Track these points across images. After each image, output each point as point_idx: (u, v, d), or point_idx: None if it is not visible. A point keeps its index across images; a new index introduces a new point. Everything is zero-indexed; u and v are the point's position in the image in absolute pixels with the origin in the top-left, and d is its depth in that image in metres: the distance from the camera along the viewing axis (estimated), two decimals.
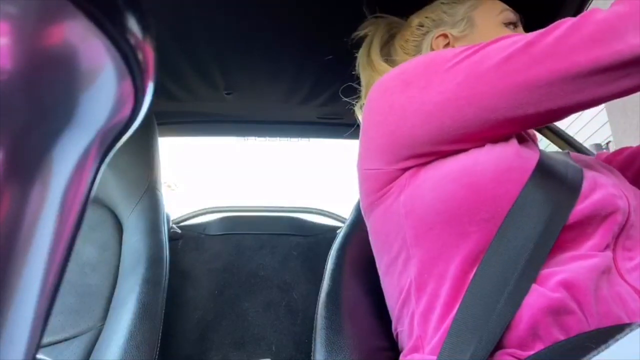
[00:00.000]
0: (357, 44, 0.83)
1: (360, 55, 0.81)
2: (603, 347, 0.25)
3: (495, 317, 0.44)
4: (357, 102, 0.83)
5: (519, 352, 0.43)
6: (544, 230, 0.47)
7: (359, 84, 0.84)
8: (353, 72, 0.86)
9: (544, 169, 0.50)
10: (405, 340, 0.55)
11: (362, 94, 0.80)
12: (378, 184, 0.57)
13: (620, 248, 0.49)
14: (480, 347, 0.43)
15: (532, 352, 0.43)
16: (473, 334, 0.44)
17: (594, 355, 0.26)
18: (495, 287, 0.45)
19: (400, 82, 0.54)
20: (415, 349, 0.52)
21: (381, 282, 0.63)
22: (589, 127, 4.94)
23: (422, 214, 0.52)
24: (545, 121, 0.50)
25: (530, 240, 0.46)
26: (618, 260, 0.49)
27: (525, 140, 0.55)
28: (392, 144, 0.54)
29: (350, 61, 1.06)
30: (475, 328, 0.45)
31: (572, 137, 1.13)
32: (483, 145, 0.51)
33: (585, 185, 0.50)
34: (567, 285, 0.44)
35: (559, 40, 0.46)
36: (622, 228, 0.50)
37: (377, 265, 0.64)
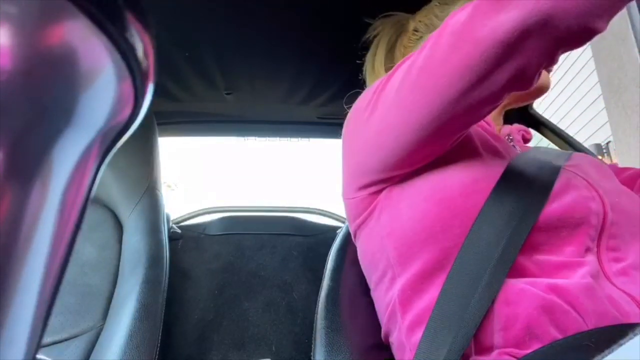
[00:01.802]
0: (366, 47, 0.83)
1: (367, 61, 0.81)
2: (607, 351, 0.25)
3: (469, 313, 0.44)
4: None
5: (515, 351, 0.43)
6: (514, 229, 0.47)
7: (358, 84, 0.84)
8: (356, 73, 0.86)
9: (513, 173, 0.51)
10: (397, 353, 0.56)
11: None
12: (358, 210, 0.59)
13: (604, 249, 0.49)
14: (456, 343, 0.43)
15: (529, 351, 0.43)
16: (449, 330, 0.45)
17: (595, 358, 0.26)
18: (469, 284, 0.46)
19: (353, 114, 0.59)
20: None
21: (372, 297, 0.65)
22: (589, 127, 4.95)
23: (402, 235, 0.53)
24: (470, 121, 0.49)
25: (501, 237, 0.47)
26: (604, 262, 0.48)
27: (493, 149, 0.55)
28: (353, 173, 0.57)
29: (350, 62, 1.06)
30: (450, 325, 0.45)
31: (572, 137, 1.13)
32: (434, 164, 0.52)
33: (556, 186, 0.50)
34: (557, 290, 0.45)
35: (427, 58, 0.46)
36: (601, 228, 0.50)
37: (368, 282, 0.65)
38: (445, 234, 0.49)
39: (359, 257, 0.66)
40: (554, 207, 0.48)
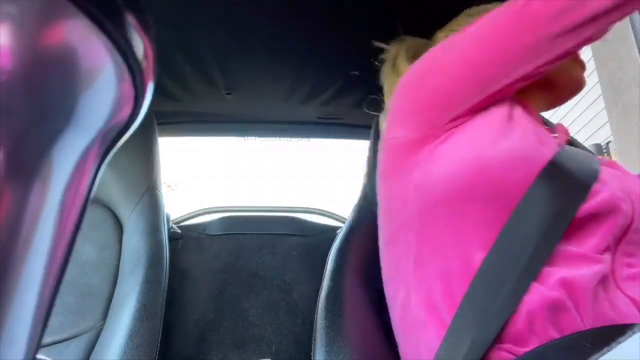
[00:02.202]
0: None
1: (385, 65, 0.80)
2: (605, 349, 0.25)
3: (492, 315, 0.44)
4: (381, 112, 0.83)
5: (514, 348, 0.44)
6: (548, 229, 0.47)
7: (359, 85, 0.84)
8: (354, 73, 0.86)
9: (556, 165, 0.51)
10: (399, 314, 0.57)
11: (386, 104, 0.80)
12: (397, 152, 0.59)
13: (620, 252, 0.50)
14: (475, 345, 0.43)
15: (527, 349, 0.43)
16: (469, 331, 0.45)
17: (593, 356, 0.26)
18: (495, 286, 0.46)
19: (429, 55, 0.59)
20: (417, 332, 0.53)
21: (380, 252, 0.64)
22: (589, 127, 4.95)
23: (430, 189, 0.53)
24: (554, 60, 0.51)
25: (532, 239, 0.47)
26: (616, 265, 0.49)
27: (539, 137, 0.56)
28: (422, 108, 0.57)
29: (350, 62, 1.06)
30: (472, 325, 0.45)
31: (572, 137, 1.13)
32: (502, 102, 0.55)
33: (595, 185, 0.51)
34: (567, 285, 0.45)
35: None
36: (625, 232, 0.50)
37: (379, 235, 0.65)
38: (473, 199, 0.50)
39: (378, 205, 0.65)
40: (589, 204, 0.49)
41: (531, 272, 0.46)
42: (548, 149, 0.52)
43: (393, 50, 0.79)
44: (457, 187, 0.51)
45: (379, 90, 0.83)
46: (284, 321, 1.25)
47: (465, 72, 0.53)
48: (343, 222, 1.44)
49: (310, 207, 1.67)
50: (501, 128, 0.53)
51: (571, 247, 0.48)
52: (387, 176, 0.61)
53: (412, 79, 0.59)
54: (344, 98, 1.23)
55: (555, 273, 0.46)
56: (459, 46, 0.55)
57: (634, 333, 0.24)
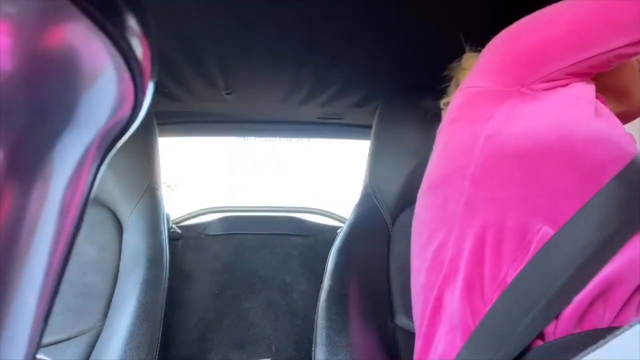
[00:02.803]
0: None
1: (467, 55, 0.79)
2: (602, 342, 0.25)
3: (519, 330, 0.44)
4: (444, 97, 0.81)
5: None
6: (613, 234, 0.46)
7: (359, 85, 0.84)
8: (356, 73, 0.86)
9: (636, 169, 0.50)
10: (433, 280, 0.56)
11: (451, 90, 0.79)
12: (475, 100, 0.58)
13: None
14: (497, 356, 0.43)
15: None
16: (493, 343, 0.44)
17: (580, 355, 0.26)
18: (529, 301, 0.45)
19: (524, 19, 0.59)
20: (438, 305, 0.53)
21: (422, 195, 0.64)
22: None
23: (505, 143, 0.53)
24: None
25: (593, 241, 0.46)
26: None
27: (626, 134, 0.55)
28: (510, 64, 0.57)
29: (350, 62, 1.06)
30: (497, 337, 0.45)
31: None
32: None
33: None
34: (609, 281, 0.45)
35: None
36: None
37: (425, 178, 0.64)
38: (547, 163, 0.49)
39: (434, 153, 0.65)
40: None
41: (585, 275, 0.45)
42: (634, 148, 0.52)
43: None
44: (537, 148, 0.51)
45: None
46: (284, 321, 1.25)
47: (560, 34, 0.53)
48: (343, 222, 1.44)
49: (310, 207, 1.67)
50: (588, 112, 0.52)
51: (627, 247, 0.47)
52: (457, 121, 0.60)
53: (505, 36, 0.59)
54: (344, 98, 1.23)
55: (603, 271, 0.45)
56: (556, 10, 0.55)
57: (631, 326, 0.24)
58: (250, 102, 1.28)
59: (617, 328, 0.25)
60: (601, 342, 0.25)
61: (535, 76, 0.54)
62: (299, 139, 1.59)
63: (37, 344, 0.14)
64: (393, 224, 0.92)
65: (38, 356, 0.15)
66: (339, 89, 1.18)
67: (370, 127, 1.08)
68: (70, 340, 0.93)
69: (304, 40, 1.00)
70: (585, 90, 0.55)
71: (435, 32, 0.80)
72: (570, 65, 0.53)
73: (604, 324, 0.44)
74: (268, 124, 1.43)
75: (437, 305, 0.54)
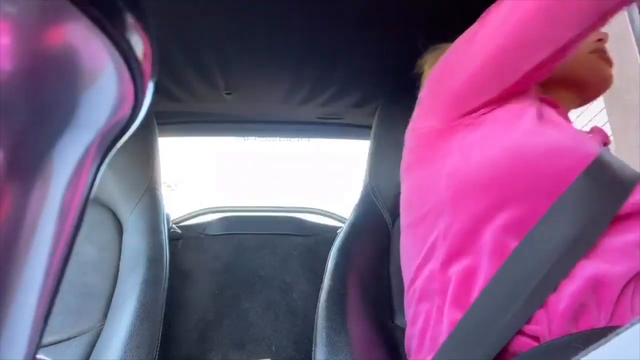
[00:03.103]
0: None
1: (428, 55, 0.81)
2: (603, 340, 0.25)
3: (502, 326, 0.44)
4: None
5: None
6: (588, 225, 0.47)
7: (359, 85, 0.84)
8: (356, 73, 0.86)
9: (601, 165, 0.51)
10: (424, 282, 0.57)
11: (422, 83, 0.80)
12: (426, 141, 0.60)
13: None
14: (480, 353, 0.43)
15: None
16: (474, 339, 0.44)
17: (580, 354, 0.26)
18: (509, 296, 0.46)
19: (450, 51, 0.61)
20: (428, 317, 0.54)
21: (405, 233, 0.65)
22: (589, 127, 4.93)
23: (465, 176, 0.54)
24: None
25: (569, 235, 0.47)
26: None
27: (580, 134, 0.56)
28: (452, 98, 0.58)
29: (350, 62, 1.06)
30: (478, 333, 0.45)
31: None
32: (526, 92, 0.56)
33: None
34: (598, 282, 0.45)
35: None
36: None
37: (403, 219, 0.66)
38: (512, 187, 0.50)
39: (402, 195, 0.66)
40: (632, 201, 0.49)
41: (563, 269, 0.46)
42: (592, 147, 0.52)
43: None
44: (497, 172, 0.52)
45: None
46: (284, 321, 1.25)
47: (485, 62, 0.54)
48: (343, 222, 1.44)
49: (311, 207, 1.67)
50: (533, 124, 0.53)
51: (609, 240, 0.48)
52: (415, 164, 0.62)
53: (436, 76, 0.61)
54: (344, 98, 1.23)
55: (588, 267, 0.46)
56: (478, 39, 0.56)
57: (632, 325, 0.24)
58: (250, 102, 1.28)
59: (618, 327, 0.25)
60: (602, 340, 0.25)
61: (472, 107, 0.56)
62: (299, 139, 1.59)
63: (37, 344, 0.14)
64: (393, 224, 0.92)
65: (38, 356, 0.15)
66: (338, 89, 1.18)
67: (370, 127, 1.08)
68: (70, 340, 0.93)
69: (304, 40, 1.00)
70: (526, 103, 0.56)
71: (435, 32, 0.80)
72: (498, 94, 0.55)
73: (601, 323, 0.44)
74: (268, 124, 1.43)
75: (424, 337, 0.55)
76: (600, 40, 0.67)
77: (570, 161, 0.50)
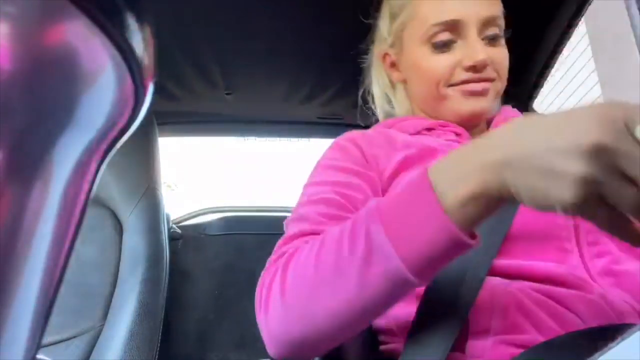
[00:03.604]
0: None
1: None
2: (605, 349, 0.24)
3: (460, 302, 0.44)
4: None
5: (511, 337, 0.43)
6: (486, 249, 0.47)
7: (359, 85, 0.84)
8: (356, 73, 0.86)
9: None
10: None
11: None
12: None
13: (585, 245, 0.50)
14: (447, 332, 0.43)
15: (527, 336, 0.43)
16: (440, 320, 0.44)
17: (594, 355, 0.26)
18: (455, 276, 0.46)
19: None
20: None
21: None
22: None
23: None
24: None
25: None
26: (587, 261, 0.49)
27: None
28: None
29: (350, 61, 1.06)
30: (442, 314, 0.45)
31: None
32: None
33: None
34: (547, 293, 0.45)
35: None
36: (576, 228, 0.50)
37: None
38: None
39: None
40: (523, 217, 0.48)
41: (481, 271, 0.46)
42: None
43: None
44: None
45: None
46: None
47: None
48: None
49: None
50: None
51: (532, 262, 0.48)
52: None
53: None
54: (344, 98, 1.23)
55: (531, 285, 0.46)
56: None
57: (632, 333, 0.24)
58: (250, 102, 1.28)
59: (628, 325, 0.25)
60: (612, 343, 0.25)
61: None
62: (299, 139, 1.59)
63: (37, 344, 0.14)
64: None
65: (38, 356, 0.15)
66: (338, 89, 1.18)
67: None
68: (70, 340, 0.93)
69: (304, 40, 1.00)
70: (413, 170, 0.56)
71: None
72: None
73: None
74: (268, 124, 1.43)
75: None
76: (471, 68, 0.59)
77: None
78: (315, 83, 1.16)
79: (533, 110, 1.16)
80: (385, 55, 0.70)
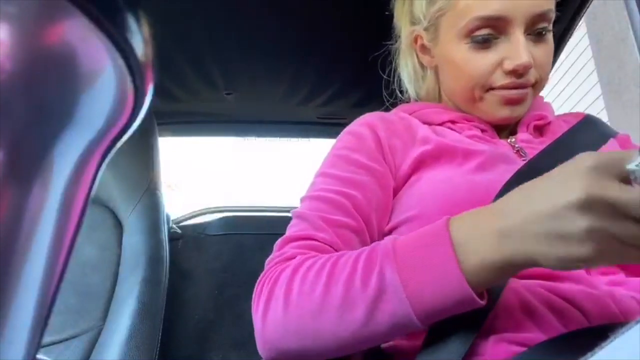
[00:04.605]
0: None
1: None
2: (607, 342, 0.24)
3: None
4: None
5: (512, 335, 0.43)
6: None
7: (359, 85, 0.84)
8: (356, 73, 0.86)
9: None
10: None
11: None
12: None
13: None
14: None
15: (528, 334, 0.43)
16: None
17: (597, 350, 0.26)
18: None
19: None
20: None
21: None
22: None
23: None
24: None
25: None
26: None
27: (489, 164, 0.54)
28: None
29: (350, 61, 1.06)
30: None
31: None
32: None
33: None
34: (553, 290, 0.45)
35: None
36: None
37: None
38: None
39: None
40: None
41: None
42: (493, 180, 0.51)
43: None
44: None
45: (383, 86, 0.80)
46: None
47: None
48: None
49: None
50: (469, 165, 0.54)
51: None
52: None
53: None
54: (344, 98, 1.23)
55: (536, 282, 0.46)
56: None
57: (630, 327, 0.24)
58: (250, 102, 1.28)
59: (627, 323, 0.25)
60: (612, 336, 0.25)
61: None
62: (299, 139, 1.59)
63: (37, 344, 0.14)
64: None
65: (38, 356, 0.15)
66: (339, 88, 1.18)
67: None
68: (70, 340, 0.93)
69: (304, 40, 1.00)
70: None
71: None
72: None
73: None
74: (268, 124, 1.43)
75: None
76: (512, 72, 0.54)
77: (472, 207, 0.47)
78: (315, 83, 1.17)
79: None
80: (417, 37, 0.64)
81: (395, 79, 0.74)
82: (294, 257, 0.48)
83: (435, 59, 0.64)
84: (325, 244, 0.50)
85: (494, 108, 0.58)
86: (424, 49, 0.65)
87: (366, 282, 0.41)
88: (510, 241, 0.37)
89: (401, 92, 0.73)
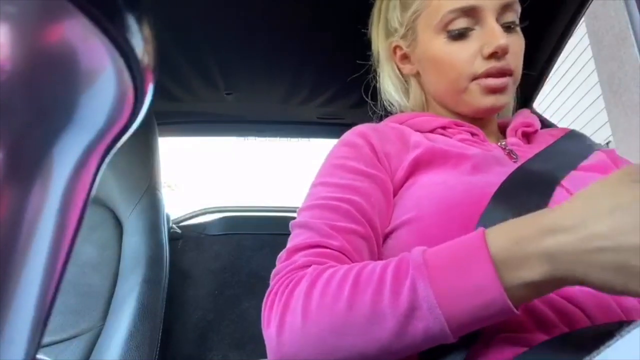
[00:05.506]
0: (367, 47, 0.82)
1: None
2: (605, 345, 0.24)
3: None
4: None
5: (513, 335, 0.43)
6: None
7: (359, 85, 0.84)
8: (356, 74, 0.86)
9: (506, 192, 0.49)
10: None
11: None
12: None
13: None
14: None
15: (529, 335, 0.42)
16: None
17: (592, 354, 0.26)
18: None
19: None
20: None
21: None
22: (589, 127, 4.95)
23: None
24: None
25: None
26: None
27: (482, 166, 0.54)
28: None
29: (350, 62, 1.06)
30: None
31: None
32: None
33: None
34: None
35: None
36: None
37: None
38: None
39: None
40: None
41: None
42: (488, 180, 0.51)
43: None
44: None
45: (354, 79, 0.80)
46: None
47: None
48: None
49: None
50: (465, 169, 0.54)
51: None
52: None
53: None
54: (344, 98, 1.23)
55: None
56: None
57: (629, 331, 0.24)
58: (250, 102, 1.28)
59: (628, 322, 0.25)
60: (612, 340, 0.25)
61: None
62: (299, 139, 1.59)
63: (37, 344, 0.14)
64: None
65: (38, 356, 0.15)
66: (339, 89, 1.18)
67: None
68: (70, 340, 0.93)
69: (304, 40, 1.00)
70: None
71: None
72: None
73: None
74: (268, 124, 1.43)
75: None
76: (492, 55, 0.57)
77: (469, 208, 0.47)
78: (315, 83, 1.17)
79: (533, 110, 1.16)
80: (396, 47, 0.68)
81: (381, 97, 0.76)
82: (308, 266, 0.46)
83: (416, 65, 0.66)
84: (338, 251, 0.48)
85: (478, 98, 0.59)
86: (404, 57, 0.67)
87: (396, 296, 0.39)
88: (559, 264, 0.35)
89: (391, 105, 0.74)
